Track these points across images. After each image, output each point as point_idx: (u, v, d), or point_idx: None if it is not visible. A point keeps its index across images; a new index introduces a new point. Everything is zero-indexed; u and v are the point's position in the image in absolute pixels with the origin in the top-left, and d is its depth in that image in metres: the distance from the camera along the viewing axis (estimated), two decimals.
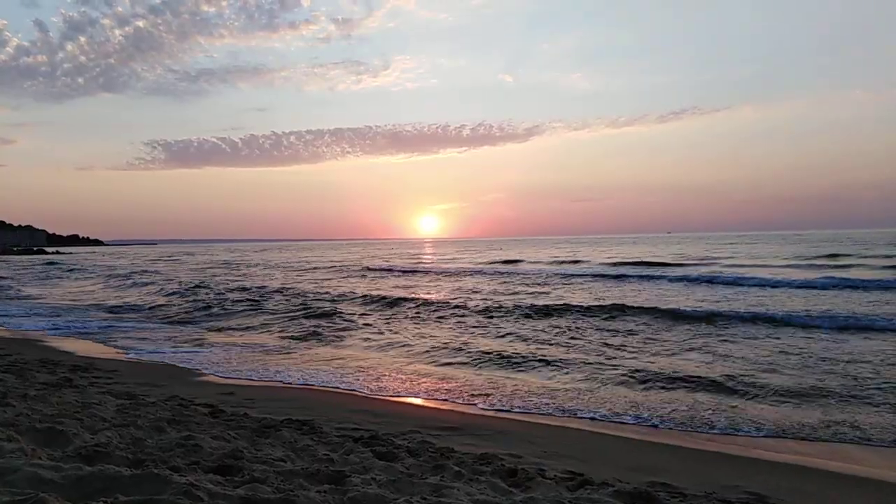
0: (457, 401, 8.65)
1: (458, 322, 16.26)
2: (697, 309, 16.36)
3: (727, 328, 13.98)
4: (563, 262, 42.93)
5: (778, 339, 12.53)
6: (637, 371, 9.85)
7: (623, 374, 9.73)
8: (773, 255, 43.15)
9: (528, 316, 16.74)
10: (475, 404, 8.41)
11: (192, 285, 29.01)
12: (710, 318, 15.17)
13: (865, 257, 36.79)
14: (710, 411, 7.75)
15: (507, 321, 16.15)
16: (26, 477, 3.50)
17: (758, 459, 6.11)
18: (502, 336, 13.94)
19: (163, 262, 63.37)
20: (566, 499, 4.28)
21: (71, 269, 51.86)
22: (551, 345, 12.63)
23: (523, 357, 11.29)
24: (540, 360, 10.94)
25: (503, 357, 11.39)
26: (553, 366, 10.58)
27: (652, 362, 10.65)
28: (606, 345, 12.53)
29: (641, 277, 27.75)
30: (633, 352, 11.72)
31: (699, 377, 9.28)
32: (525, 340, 13.25)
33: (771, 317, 14.82)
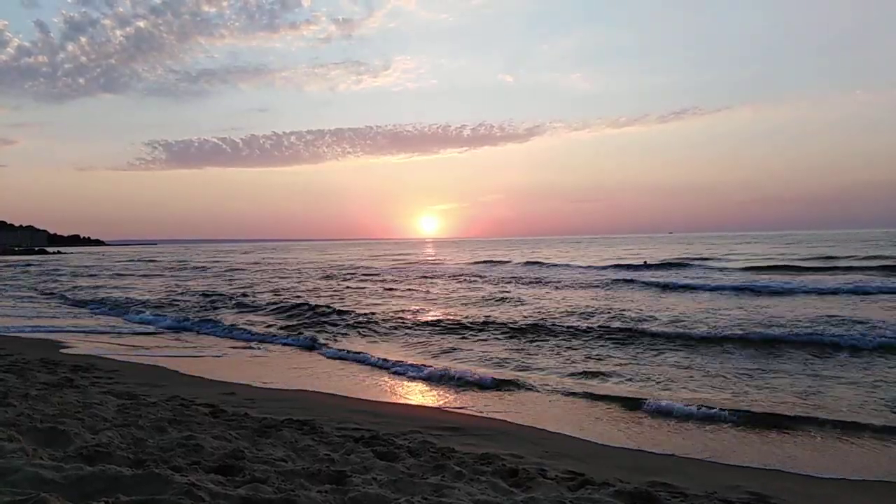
0: (457, 403, 8.65)
1: (436, 332, 14.99)
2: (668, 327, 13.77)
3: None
4: (555, 266, 40.15)
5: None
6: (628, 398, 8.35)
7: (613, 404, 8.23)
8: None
9: (502, 328, 14.90)
10: (475, 406, 8.41)
11: (180, 291, 28.59)
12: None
13: None
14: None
15: (482, 332, 14.66)
16: (27, 477, 3.50)
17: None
18: (477, 348, 12.68)
19: (153, 264, 62.39)
20: (567, 499, 4.28)
21: (49, 272, 47.75)
22: (531, 367, 10.84)
23: (507, 378, 9.72)
24: (522, 385, 9.37)
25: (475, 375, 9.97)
26: (536, 391, 9.08)
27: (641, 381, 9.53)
28: (614, 361, 11.11)
29: (636, 281, 27.68)
30: (622, 373, 10.08)
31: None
32: (501, 357, 11.75)
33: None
